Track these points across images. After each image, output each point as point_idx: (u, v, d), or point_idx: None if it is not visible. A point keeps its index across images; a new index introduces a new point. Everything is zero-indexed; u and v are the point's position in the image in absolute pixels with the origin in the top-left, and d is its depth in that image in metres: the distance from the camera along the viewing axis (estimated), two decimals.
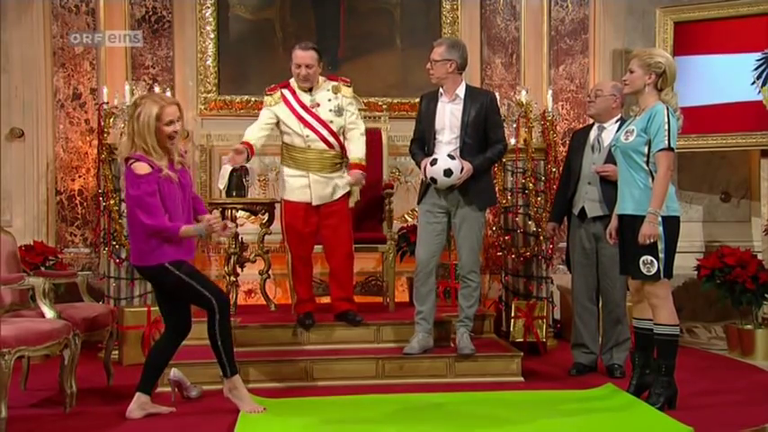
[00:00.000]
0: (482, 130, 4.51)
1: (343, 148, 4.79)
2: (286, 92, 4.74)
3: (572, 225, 4.77)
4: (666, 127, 3.78)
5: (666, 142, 3.78)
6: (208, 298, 3.79)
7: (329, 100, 4.74)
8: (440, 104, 4.54)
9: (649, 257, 3.82)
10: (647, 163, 3.85)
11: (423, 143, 4.59)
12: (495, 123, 4.56)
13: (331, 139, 4.72)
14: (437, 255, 4.64)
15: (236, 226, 5.43)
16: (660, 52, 4.02)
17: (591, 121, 4.85)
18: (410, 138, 4.74)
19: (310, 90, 4.74)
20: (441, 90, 4.57)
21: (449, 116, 4.50)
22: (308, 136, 4.68)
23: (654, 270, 3.83)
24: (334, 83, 4.80)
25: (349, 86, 4.83)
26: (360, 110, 5.08)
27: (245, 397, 3.89)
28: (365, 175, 4.81)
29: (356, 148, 4.79)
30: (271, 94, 4.77)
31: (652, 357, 4.01)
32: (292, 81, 4.76)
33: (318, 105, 4.70)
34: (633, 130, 3.89)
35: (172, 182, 3.74)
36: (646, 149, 3.84)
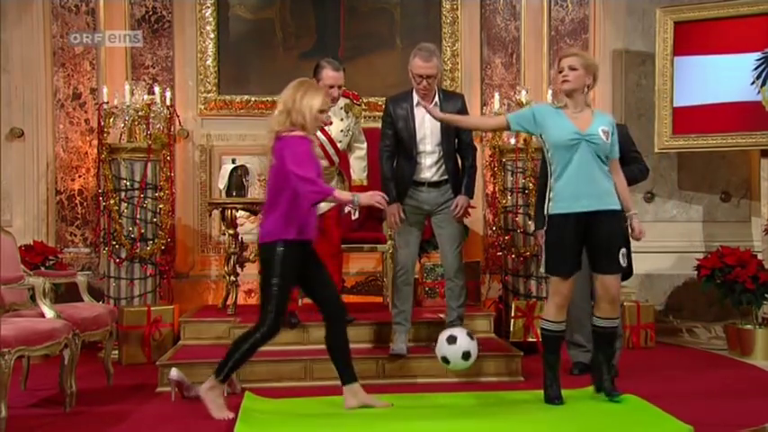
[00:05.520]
0: (454, 134, 4.51)
1: (342, 163, 4.83)
2: None
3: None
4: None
5: (619, 154, 4.02)
6: (269, 311, 3.75)
7: (341, 119, 4.72)
8: (418, 113, 4.48)
9: (624, 249, 3.95)
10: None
11: (395, 154, 4.54)
12: None
13: (335, 158, 4.75)
14: (417, 255, 4.70)
15: (237, 226, 5.46)
16: (590, 54, 4.09)
17: None
18: None
19: None
20: (416, 97, 4.49)
21: (429, 124, 4.45)
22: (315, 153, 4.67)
23: (625, 262, 3.96)
24: (347, 100, 4.77)
25: (359, 105, 4.84)
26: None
27: (219, 404, 3.80)
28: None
29: (359, 169, 4.85)
30: None
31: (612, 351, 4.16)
32: None
33: (331, 123, 4.66)
34: (608, 131, 3.93)
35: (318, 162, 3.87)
36: None
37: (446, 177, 4.52)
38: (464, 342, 3.86)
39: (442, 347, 3.89)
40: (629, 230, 4.05)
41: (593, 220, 3.87)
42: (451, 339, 3.88)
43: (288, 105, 3.81)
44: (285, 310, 3.87)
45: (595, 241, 3.89)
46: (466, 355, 3.85)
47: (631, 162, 4.68)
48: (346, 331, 3.93)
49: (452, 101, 4.54)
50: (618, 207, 3.91)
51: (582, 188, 3.85)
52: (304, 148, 3.74)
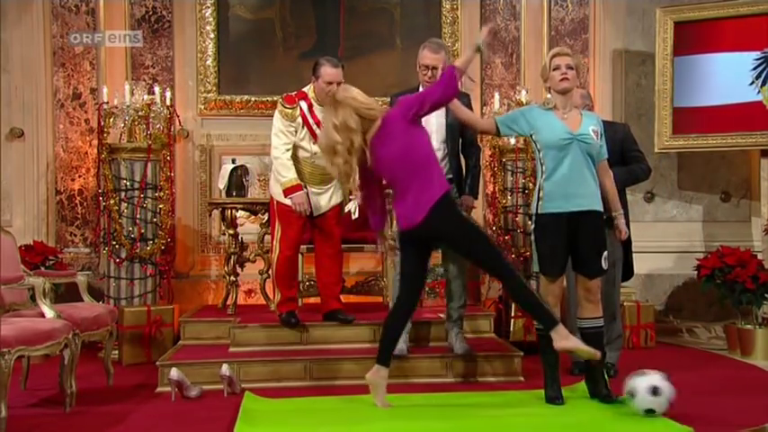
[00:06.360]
0: (458, 132, 4.49)
1: None
2: (303, 104, 4.60)
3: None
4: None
5: (607, 154, 4.03)
6: (498, 250, 3.87)
7: None
8: None
9: (605, 252, 3.93)
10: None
11: None
12: None
13: None
14: None
15: (237, 226, 5.46)
16: None
17: None
18: None
19: None
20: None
21: (435, 121, 4.41)
22: (315, 153, 4.59)
23: (606, 265, 3.96)
24: None
25: None
26: None
27: (579, 344, 3.81)
28: None
29: None
30: (291, 107, 4.59)
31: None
32: (309, 92, 4.63)
33: None
34: (599, 131, 3.94)
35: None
36: None
37: (450, 176, 4.49)
38: (670, 393, 3.65)
39: (644, 397, 3.64)
40: (615, 231, 4.05)
41: (582, 220, 3.87)
42: (656, 391, 3.64)
43: (354, 111, 3.76)
44: None
45: (581, 242, 3.89)
46: (650, 411, 3.65)
47: (633, 161, 4.68)
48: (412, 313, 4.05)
49: (459, 99, 4.52)
50: (601, 209, 3.92)
51: (574, 188, 3.85)
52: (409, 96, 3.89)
